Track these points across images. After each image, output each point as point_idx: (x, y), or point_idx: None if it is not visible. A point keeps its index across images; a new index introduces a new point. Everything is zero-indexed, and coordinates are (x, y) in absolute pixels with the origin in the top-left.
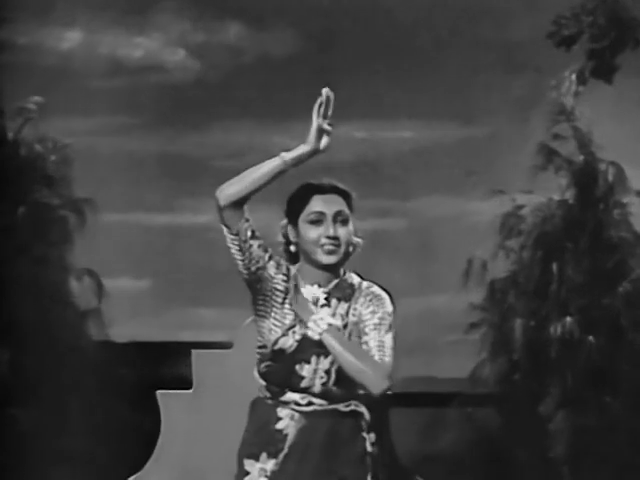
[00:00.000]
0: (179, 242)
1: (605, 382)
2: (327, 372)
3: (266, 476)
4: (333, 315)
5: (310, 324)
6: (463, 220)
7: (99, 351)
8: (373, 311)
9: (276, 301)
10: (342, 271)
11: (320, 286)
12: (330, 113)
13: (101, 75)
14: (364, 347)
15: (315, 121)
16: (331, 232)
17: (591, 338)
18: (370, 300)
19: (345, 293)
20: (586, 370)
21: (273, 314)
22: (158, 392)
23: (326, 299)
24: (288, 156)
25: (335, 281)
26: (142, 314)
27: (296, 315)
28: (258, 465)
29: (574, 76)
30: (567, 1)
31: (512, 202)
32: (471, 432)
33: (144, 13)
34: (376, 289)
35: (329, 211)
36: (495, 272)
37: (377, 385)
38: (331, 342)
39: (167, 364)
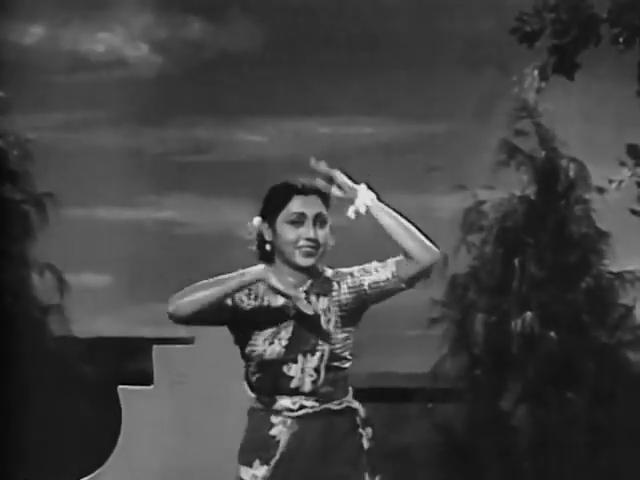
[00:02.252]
0: (141, 237)
1: (566, 377)
2: (316, 370)
3: None
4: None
5: (355, 203)
6: (425, 216)
7: (61, 346)
8: (354, 274)
9: (254, 321)
10: (319, 267)
11: (296, 286)
12: (347, 185)
13: (63, 70)
14: (380, 271)
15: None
16: (311, 234)
17: (552, 333)
18: (349, 275)
19: (323, 288)
20: (547, 365)
21: (255, 333)
22: (119, 388)
23: (306, 298)
24: (247, 278)
25: (310, 281)
26: (104, 309)
27: (277, 323)
28: (251, 471)
29: (536, 72)
30: None
31: (474, 198)
32: (432, 427)
33: (106, 8)
34: (346, 269)
35: (310, 213)
36: (456, 267)
37: (430, 250)
38: (381, 212)
39: (129, 360)
